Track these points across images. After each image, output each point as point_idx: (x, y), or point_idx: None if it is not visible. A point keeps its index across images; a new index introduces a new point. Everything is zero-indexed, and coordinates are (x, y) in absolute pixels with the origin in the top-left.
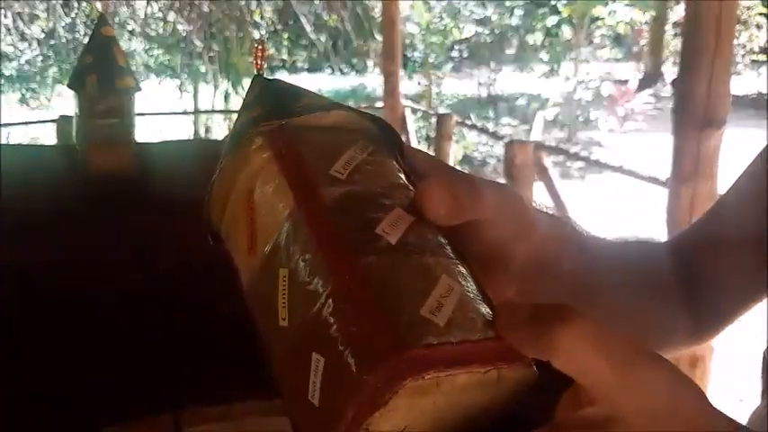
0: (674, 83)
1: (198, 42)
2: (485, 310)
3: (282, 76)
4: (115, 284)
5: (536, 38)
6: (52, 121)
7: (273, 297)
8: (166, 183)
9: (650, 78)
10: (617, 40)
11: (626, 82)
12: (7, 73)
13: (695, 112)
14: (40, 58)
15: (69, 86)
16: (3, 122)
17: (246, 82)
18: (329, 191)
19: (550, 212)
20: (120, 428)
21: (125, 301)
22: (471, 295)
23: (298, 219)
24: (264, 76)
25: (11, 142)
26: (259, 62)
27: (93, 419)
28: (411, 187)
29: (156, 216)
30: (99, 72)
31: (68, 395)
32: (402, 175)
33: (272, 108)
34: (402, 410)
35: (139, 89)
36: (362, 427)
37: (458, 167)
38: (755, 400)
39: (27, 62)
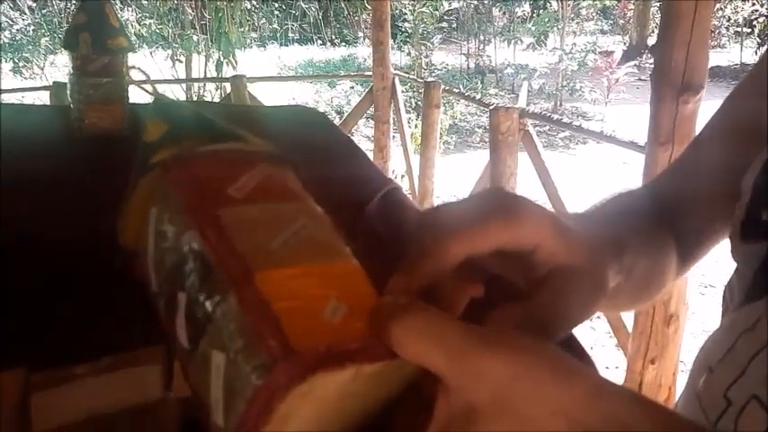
0: (652, 49)
1: (189, 11)
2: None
3: (273, 48)
4: (101, 240)
5: (524, 9)
6: (45, 88)
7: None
8: None
9: (635, 50)
10: (603, 12)
11: (611, 53)
12: None
13: (673, 77)
14: (33, 27)
15: (63, 46)
16: None
17: (237, 52)
18: (225, 211)
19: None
20: (114, 359)
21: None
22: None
23: (196, 240)
24: (161, 98)
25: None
26: (149, 88)
27: (90, 349)
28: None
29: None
30: (91, 31)
31: (68, 328)
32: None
33: (176, 133)
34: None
35: (132, 49)
36: None
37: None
38: None
39: (19, 31)
